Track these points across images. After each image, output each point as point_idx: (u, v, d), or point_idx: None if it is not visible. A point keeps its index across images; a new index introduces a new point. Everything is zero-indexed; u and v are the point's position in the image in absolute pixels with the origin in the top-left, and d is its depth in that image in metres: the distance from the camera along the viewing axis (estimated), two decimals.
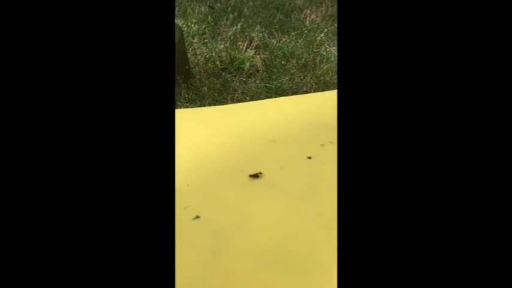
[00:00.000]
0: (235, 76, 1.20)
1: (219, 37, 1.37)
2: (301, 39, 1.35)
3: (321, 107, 0.90)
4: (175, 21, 1.39)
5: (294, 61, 1.25)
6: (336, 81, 1.17)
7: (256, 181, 0.73)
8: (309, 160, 0.77)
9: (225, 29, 1.40)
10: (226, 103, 1.09)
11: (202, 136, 0.83)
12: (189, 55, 1.23)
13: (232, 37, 1.36)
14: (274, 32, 1.40)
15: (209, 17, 1.44)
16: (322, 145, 0.79)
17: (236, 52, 1.27)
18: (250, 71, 1.23)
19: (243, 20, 1.43)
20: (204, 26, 1.40)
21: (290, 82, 1.16)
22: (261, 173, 0.67)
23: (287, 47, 1.31)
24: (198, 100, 1.09)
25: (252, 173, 0.67)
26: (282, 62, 1.25)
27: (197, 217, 0.65)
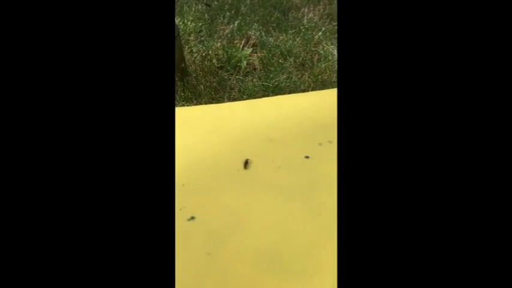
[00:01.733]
0: (232, 74, 1.19)
1: (216, 35, 1.35)
2: (299, 38, 1.33)
3: (318, 105, 0.89)
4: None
5: (291, 60, 1.24)
6: (333, 79, 1.16)
7: (253, 181, 0.72)
8: (307, 160, 0.76)
9: (222, 27, 1.39)
10: (223, 101, 1.07)
11: (198, 135, 0.81)
12: (185, 53, 1.22)
13: (229, 35, 1.35)
14: (272, 31, 1.39)
15: (206, 15, 1.42)
16: (320, 144, 0.78)
17: (233, 50, 1.26)
18: (247, 70, 1.21)
19: (240, 18, 1.41)
20: (200, 24, 1.38)
21: (288, 81, 1.15)
22: (248, 160, 0.67)
23: (284, 45, 1.30)
24: (195, 98, 1.08)
25: (244, 165, 0.66)
26: (280, 61, 1.24)
27: (192, 218, 0.64)
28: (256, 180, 0.73)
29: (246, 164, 0.69)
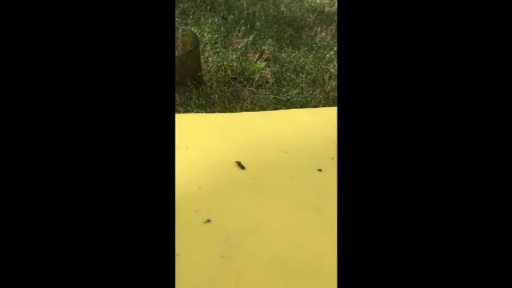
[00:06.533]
0: (245, 86, 1.22)
1: (231, 47, 1.39)
2: (311, 55, 1.37)
3: (331, 121, 0.91)
4: (191, 28, 1.41)
5: (303, 76, 1.27)
6: None
7: (266, 189, 0.73)
8: (320, 172, 0.77)
9: (237, 40, 1.43)
10: (236, 111, 1.10)
11: (214, 141, 0.83)
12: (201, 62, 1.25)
13: (243, 48, 1.38)
14: (285, 47, 1.42)
15: (222, 28, 1.46)
16: (332, 159, 0.80)
17: (247, 63, 1.29)
18: (260, 82, 1.24)
19: (255, 32, 1.45)
20: (216, 36, 1.42)
21: (299, 95, 1.18)
22: (244, 167, 0.68)
23: (297, 61, 1.33)
24: (208, 107, 1.10)
25: (240, 165, 0.68)
26: (292, 76, 1.27)
27: (208, 221, 0.65)
28: (269, 189, 0.74)
29: (239, 164, 0.71)
